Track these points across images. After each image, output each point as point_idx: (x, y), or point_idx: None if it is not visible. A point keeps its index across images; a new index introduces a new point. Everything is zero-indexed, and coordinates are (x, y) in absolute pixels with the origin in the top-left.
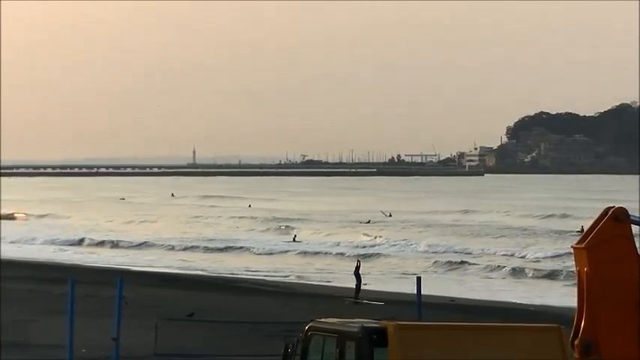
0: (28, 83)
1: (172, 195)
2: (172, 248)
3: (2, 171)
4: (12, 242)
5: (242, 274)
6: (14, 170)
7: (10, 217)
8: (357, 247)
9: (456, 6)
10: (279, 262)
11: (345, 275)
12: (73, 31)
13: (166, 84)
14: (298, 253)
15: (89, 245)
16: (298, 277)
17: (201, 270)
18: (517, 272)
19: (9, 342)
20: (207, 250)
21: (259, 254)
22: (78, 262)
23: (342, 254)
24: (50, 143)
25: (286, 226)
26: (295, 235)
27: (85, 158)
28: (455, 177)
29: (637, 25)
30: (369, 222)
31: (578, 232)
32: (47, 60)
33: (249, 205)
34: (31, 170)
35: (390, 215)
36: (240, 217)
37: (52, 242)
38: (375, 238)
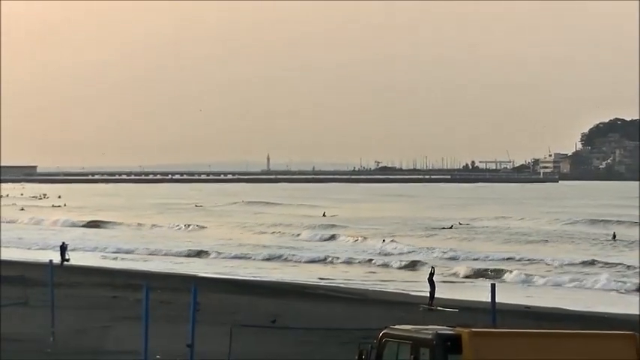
0: (105, 95)
1: (242, 201)
2: (246, 256)
3: (82, 177)
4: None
5: (318, 281)
6: (90, 177)
7: (102, 224)
8: (433, 253)
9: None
10: (356, 269)
11: (420, 282)
12: (147, 42)
13: (240, 92)
14: (375, 260)
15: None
16: (373, 283)
17: (277, 276)
18: (588, 280)
19: (85, 348)
20: (281, 258)
21: (338, 262)
22: (153, 269)
23: (417, 261)
24: (127, 150)
25: (364, 238)
26: (384, 240)
27: (157, 165)
28: (529, 184)
29: None
30: (451, 227)
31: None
32: (121, 68)
33: (324, 214)
34: (105, 177)
35: (461, 224)
36: (318, 226)
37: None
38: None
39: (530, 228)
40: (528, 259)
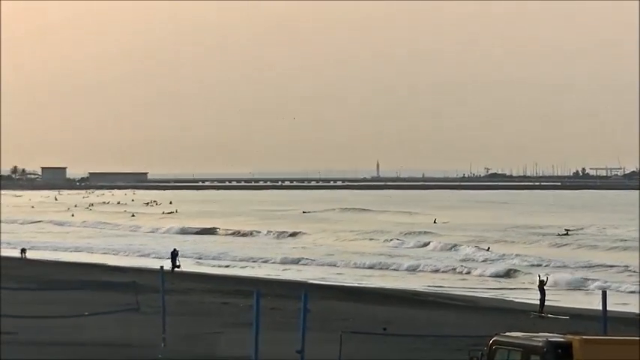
0: (216, 103)
1: (338, 208)
2: (356, 264)
3: (192, 184)
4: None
5: (427, 288)
6: (200, 184)
7: (212, 231)
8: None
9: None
10: (466, 276)
11: (530, 289)
12: (249, 52)
13: (351, 100)
14: (485, 267)
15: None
16: (484, 290)
17: (388, 283)
18: None
19: (196, 354)
20: (381, 264)
21: (445, 270)
22: (263, 276)
23: (519, 268)
24: (238, 157)
25: (476, 246)
26: (489, 247)
27: (268, 172)
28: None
29: None
30: (566, 233)
31: None
32: (231, 79)
33: (435, 221)
34: (216, 184)
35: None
36: (425, 232)
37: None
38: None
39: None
40: None
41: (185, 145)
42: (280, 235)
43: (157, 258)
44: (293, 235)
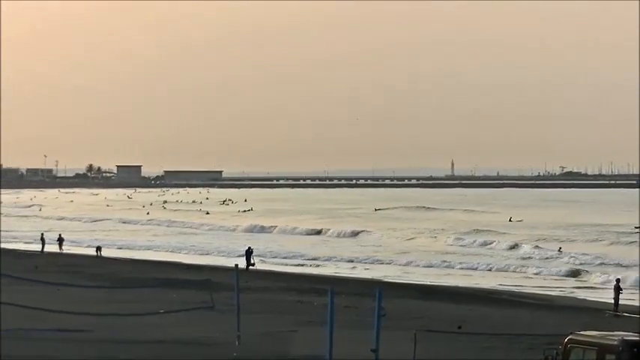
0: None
1: (403, 207)
2: (426, 262)
3: (266, 182)
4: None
5: (500, 286)
6: (274, 182)
7: (287, 230)
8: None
9: None
10: (537, 275)
11: (604, 288)
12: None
13: (424, 100)
14: (556, 266)
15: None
16: (556, 289)
17: (461, 282)
18: None
19: (271, 352)
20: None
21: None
22: (337, 274)
23: (601, 265)
24: (312, 155)
25: (536, 246)
26: (560, 248)
27: (341, 169)
28: None
29: None
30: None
31: None
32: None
33: (510, 219)
34: (290, 182)
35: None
36: (494, 231)
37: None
38: None
39: None
40: None
41: (259, 143)
42: (350, 233)
43: (232, 256)
44: (357, 233)
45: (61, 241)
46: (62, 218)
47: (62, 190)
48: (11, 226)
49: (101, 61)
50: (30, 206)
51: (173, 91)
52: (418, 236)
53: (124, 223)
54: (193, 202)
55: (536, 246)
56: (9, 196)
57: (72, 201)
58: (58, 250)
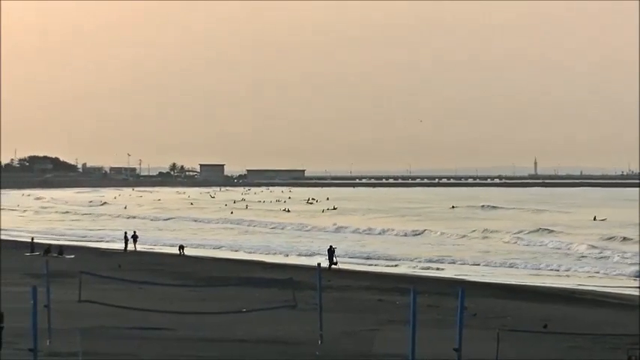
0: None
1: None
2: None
3: (349, 181)
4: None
5: (584, 286)
6: (356, 181)
7: (368, 230)
8: None
9: None
10: (624, 275)
11: None
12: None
13: (503, 98)
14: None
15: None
16: (637, 289)
17: (547, 281)
18: None
19: (353, 351)
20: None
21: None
22: (420, 273)
23: None
24: (396, 154)
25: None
26: None
27: (425, 168)
28: None
29: None
30: None
31: None
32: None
33: (594, 218)
34: (372, 181)
35: None
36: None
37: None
38: None
39: None
40: None
41: (342, 142)
42: (426, 232)
43: (314, 255)
44: (431, 232)
45: (135, 238)
46: (144, 217)
47: (137, 188)
48: (96, 225)
49: (181, 60)
50: (100, 204)
51: (256, 90)
52: (494, 235)
53: (207, 222)
54: (277, 201)
55: (621, 245)
56: (87, 194)
57: (159, 200)
58: (133, 248)
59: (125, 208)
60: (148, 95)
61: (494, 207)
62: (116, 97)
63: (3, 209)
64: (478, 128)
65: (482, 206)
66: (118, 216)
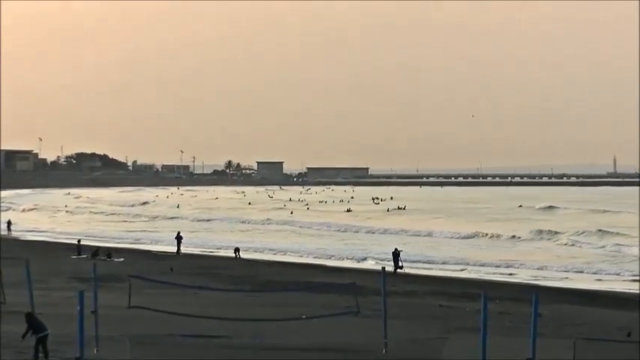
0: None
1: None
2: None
3: (415, 180)
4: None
5: None
6: (424, 180)
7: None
8: None
9: None
10: None
11: None
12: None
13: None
14: None
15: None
16: None
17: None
18: None
19: (419, 359)
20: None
21: None
22: (490, 277)
23: None
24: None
25: None
26: None
27: (495, 167)
28: None
29: None
30: None
31: None
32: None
33: None
34: (441, 179)
35: None
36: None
37: None
38: None
39: None
40: None
41: (407, 139)
42: (499, 236)
43: (379, 258)
44: (508, 236)
45: (179, 240)
46: (195, 218)
47: (188, 187)
48: (148, 226)
49: (236, 54)
50: (145, 204)
51: (316, 85)
52: (563, 237)
53: (265, 223)
54: (341, 201)
55: None
56: (134, 194)
57: (217, 198)
58: (176, 251)
59: (178, 207)
60: (201, 90)
61: (564, 207)
62: (167, 92)
63: (38, 209)
64: (554, 126)
65: (550, 207)
66: (172, 218)
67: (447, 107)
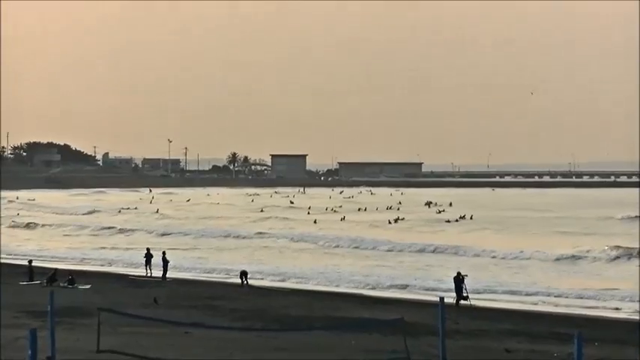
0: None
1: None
2: None
3: (485, 180)
4: None
5: None
6: (497, 178)
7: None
8: None
9: None
10: None
11: None
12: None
13: None
14: None
15: None
16: None
17: None
18: None
19: None
20: None
21: None
22: (585, 312)
23: None
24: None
25: None
26: None
27: (591, 162)
28: None
29: None
30: None
31: None
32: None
33: None
34: (520, 179)
35: None
36: None
37: None
38: None
39: None
40: None
41: (474, 126)
42: (582, 255)
43: (434, 286)
44: (583, 256)
45: (165, 262)
46: (185, 233)
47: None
48: (121, 241)
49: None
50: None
51: (352, 56)
52: None
53: (285, 238)
54: (388, 208)
55: None
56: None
57: (218, 203)
58: (161, 275)
59: (157, 211)
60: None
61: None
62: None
63: None
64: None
65: None
66: (152, 233)
67: (528, 84)
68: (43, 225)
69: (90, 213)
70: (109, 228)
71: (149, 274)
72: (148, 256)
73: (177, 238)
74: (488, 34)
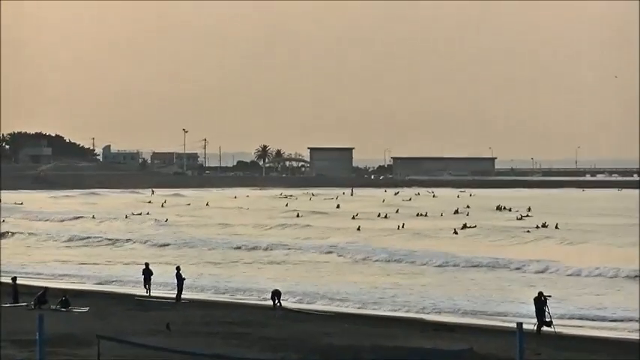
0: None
1: None
2: None
3: (570, 179)
4: None
5: None
6: (588, 177)
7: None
8: None
9: None
10: None
11: None
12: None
13: None
14: None
15: None
16: None
17: None
18: None
19: None
20: None
21: None
22: None
23: None
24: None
25: None
26: None
27: None
28: None
29: None
30: None
31: None
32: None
33: None
34: (615, 177)
35: None
36: None
37: None
38: None
39: None
40: None
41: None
42: None
43: (510, 311)
44: None
45: (180, 280)
46: (207, 246)
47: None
48: (128, 255)
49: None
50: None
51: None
52: None
53: (327, 252)
54: (456, 212)
55: None
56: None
57: (248, 208)
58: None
59: (167, 220)
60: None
61: None
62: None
63: None
64: None
65: None
66: (164, 245)
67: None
68: (29, 234)
69: (91, 218)
70: (110, 239)
71: (148, 294)
72: (147, 273)
73: (192, 251)
74: None
